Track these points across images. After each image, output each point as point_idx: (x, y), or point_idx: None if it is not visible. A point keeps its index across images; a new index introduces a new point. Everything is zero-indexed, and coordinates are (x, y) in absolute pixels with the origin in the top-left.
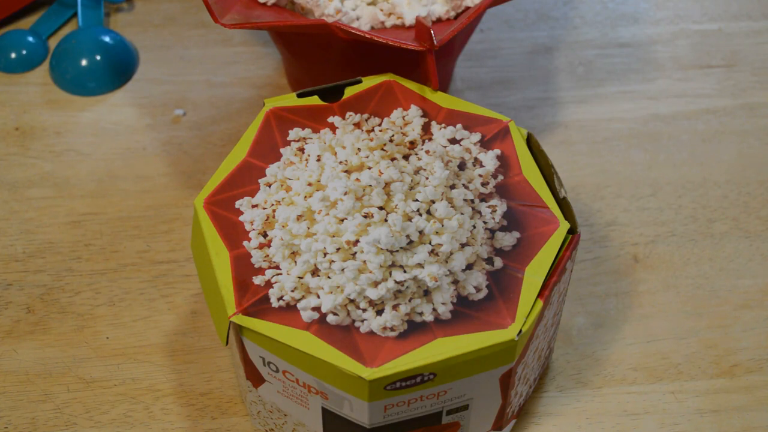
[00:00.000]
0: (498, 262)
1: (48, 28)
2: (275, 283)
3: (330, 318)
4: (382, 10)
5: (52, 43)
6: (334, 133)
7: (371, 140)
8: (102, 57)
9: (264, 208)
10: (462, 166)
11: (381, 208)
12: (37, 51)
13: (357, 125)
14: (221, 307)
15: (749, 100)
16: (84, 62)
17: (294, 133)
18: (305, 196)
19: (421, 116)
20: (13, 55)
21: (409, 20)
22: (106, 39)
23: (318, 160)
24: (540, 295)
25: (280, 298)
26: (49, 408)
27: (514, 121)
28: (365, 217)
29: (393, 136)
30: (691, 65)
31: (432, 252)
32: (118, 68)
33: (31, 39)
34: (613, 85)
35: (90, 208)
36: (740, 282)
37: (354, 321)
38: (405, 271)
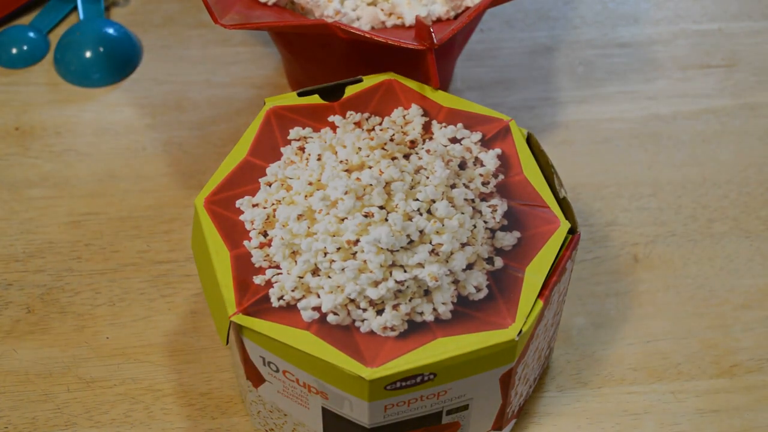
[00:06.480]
0: (498, 262)
1: (48, 23)
2: (275, 282)
3: (330, 318)
4: (382, 10)
5: (53, 37)
6: (335, 132)
7: (372, 139)
8: (106, 48)
9: (264, 208)
10: (462, 166)
11: (381, 207)
12: (39, 46)
13: (357, 124)
14: (221, 307)
15: (749, 100)
16: (88, 54)
17: (294, 132)
18: (306, 196)
19: (422, 115)
20: (14, 51)
21: (409, 20)
22: (110, 31)
23: (318, 159)
24: (540, 295)
25: (281, 298)
26: (49, 408)
27: (514, 121)
28: (366, 216)
29: (393, 135)
30: (691, 65)
31: (432, 252)
32: (123, 59)
33: (31, 34)
34: (613, 85)
35: (90, 208)
36: (740, 282)
37: (354, 321)
38: (405, 271)
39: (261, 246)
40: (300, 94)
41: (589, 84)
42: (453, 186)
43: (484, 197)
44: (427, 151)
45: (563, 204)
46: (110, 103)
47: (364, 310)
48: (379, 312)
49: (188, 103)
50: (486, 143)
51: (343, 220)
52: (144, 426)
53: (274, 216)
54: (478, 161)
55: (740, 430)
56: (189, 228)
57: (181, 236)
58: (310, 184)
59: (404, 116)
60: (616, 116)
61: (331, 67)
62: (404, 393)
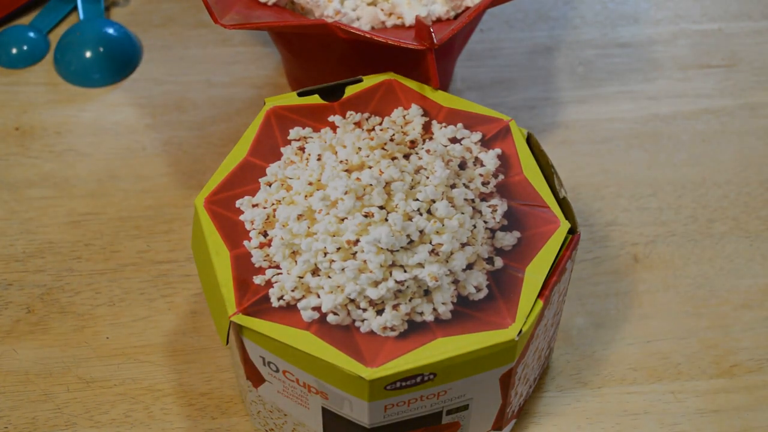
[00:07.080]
0: (498, 262)
1: (48, 23)
2: (275, 282)
3: (330, 318)
4: (382, 10)
5: (53, 37)
6: (335, 132)
7: (372, 139)
8: (106, 48)
9: (264, 208)
10: (463, 166)
11: (381, 207)
12: (39, 46)
13: (357, 124)
14: (221, 307)
15: (749, 100)
16: (88, 54)
17: (294, 132)
18: (306, 196)
19: (422, 115)
20: (14, 51)
21: (409, 20)
22: (110, 31)
23: (318, 159)
24: (540, 295)
25: (281, 298)
26: (49, 408)
27: (514, 121)
28: (366, 216)
29: (393, 135)
30: (691, 65)
31: (432, 252)
32: (123, 59)
33: (31, 34)
34: (613, 85)
35: (90, 208)
36: (740, 282)
37: (354, 321)
38: (405, 271)
39: (261, 246)
40: (300, 94)
41: (589, 84)
42: (453, 186)
43: (484, 197)
44: (427, 151)
45: (563, 204)
46: (110, 103)
47: (364, 310)
48: (379, 312)
49: (188, 103)
50: (486, 143)
51: (343, 220)
52: (144, 426)
53: (274, 216)
54: (478, 161)
55: (740, 430)
56: (189, 228)
57: (181, 236)
58: (310, 184)
59: (404, 116)
60: (616, 116)
61: (331, 67)
62: (404, 393)
